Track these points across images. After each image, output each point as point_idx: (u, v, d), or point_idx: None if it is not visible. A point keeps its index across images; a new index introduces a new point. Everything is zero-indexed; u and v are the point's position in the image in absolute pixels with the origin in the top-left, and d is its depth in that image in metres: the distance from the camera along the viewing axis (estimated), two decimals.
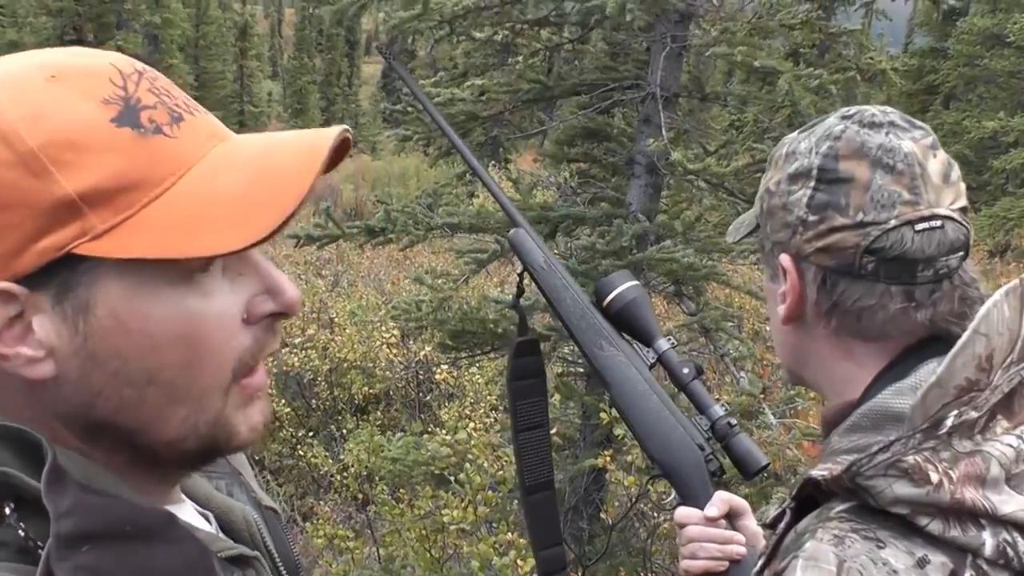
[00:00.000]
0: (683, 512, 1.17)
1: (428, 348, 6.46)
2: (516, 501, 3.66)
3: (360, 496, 5.21)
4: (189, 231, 0.57)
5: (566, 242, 4.05)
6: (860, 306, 0.84)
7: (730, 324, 3.99)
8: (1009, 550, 0.73)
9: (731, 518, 1.16)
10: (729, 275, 4.00)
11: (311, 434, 6.22)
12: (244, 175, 0.60)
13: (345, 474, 5.06)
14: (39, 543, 0.55)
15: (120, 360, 0.59)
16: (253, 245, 0.58)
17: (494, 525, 3.76)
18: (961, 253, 0.84)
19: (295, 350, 6.75)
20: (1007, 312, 0.77)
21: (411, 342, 6.93)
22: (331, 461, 5.61)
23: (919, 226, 0.81)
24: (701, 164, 3.36)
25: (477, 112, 3.88)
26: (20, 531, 0.56)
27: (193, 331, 0.60)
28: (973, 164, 17.18)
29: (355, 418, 6.51)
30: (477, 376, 6.09)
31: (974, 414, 0.75)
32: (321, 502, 5.60)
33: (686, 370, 1.19)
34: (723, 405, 1.18)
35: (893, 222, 0.81)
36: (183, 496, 0.72)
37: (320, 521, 4.50)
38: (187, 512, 0.70)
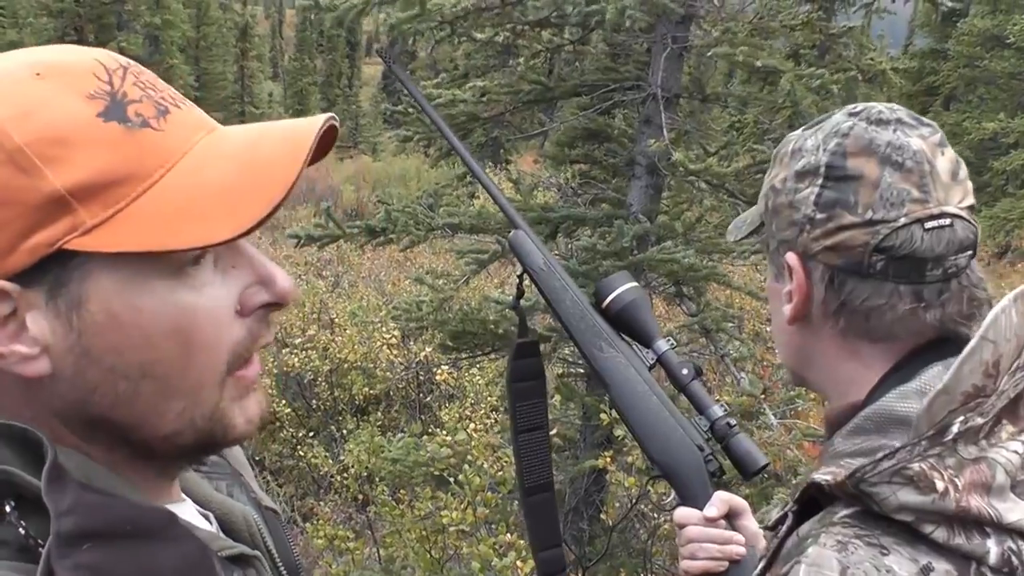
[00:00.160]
0: (682, 512, 1.17)
1: (428, 349, 6.46)
2: (516, 502, 3.66)
3: (360, 497, 5.21)
4: (178, 223, 0.57)
5: (567, 243, 4.05)
6: (868, 306, 0.83)
7: (731, 325, 3.99)
8: (1014, 558, 0.73)
9: (730, 518, 1.16)
10: (730, 276, 4.00)
11: (311, 435, 6.22)
12: (231, 166, 0.60)
13: (345, 475, 5.05)
14: (40, 541, 0.55)
15: (114, 355, 0.59)
16: (242, 235, 0.58)
17: (494, 526, 3.76)
18: (970, 252, 0.83)
19: (295, 351, 6.75)
20: (1015, 318, 0.76)
21: (411, 343, 6.92)
22: (331, 462, 5.61)
23: (928, 224, 0.80)
24: (703, 164, 3.36)
25: (478, 113, 3.88)
26: (21, 529, 0.56)
27: (186, 324, 0.60)
28: (973, 165, 17.17)
29: (355, 419, 6.50)
30: (477, 377, 6.08)
31: (980, 420, 0.74)
32: (321, 503, 5.60)
33: (685, 371, 1.19)
34: (722, 405, 1.18)
35: (903, 220, 0.80)
36: (183, 495, 0.72)
37: (320, 522, 4.49)
38: (187, 511, 0.70)
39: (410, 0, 3.30)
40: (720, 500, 1.16)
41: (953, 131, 18.48)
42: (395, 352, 6.92)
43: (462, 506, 3.49)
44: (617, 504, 4.10)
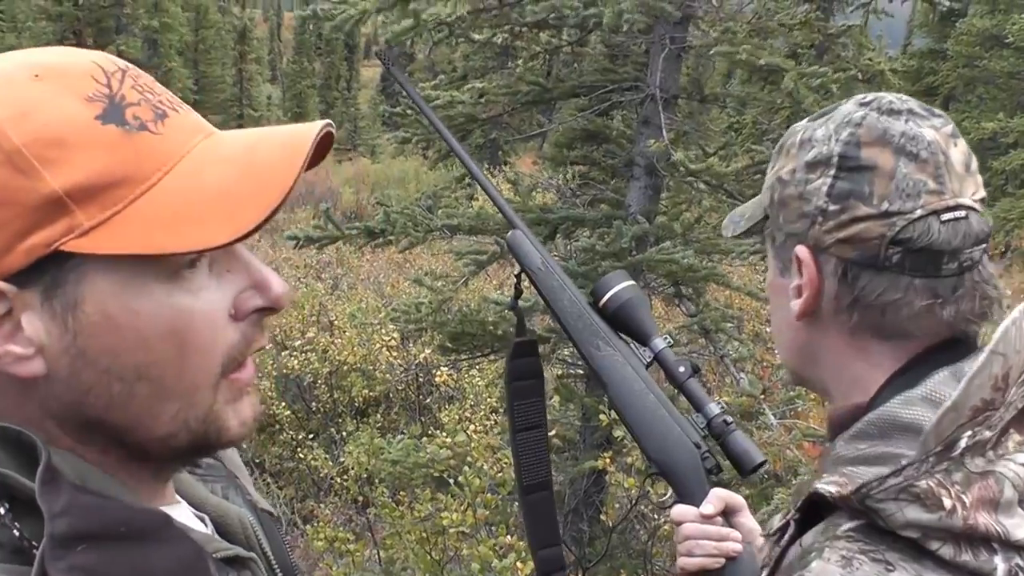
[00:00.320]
0: (679, 510, 1.17)
1: (428, 351, 6.46)
2: (516, 504, 3.65)
3: (360, 499, 5.21)
4: (175, 227, 0.57)
5: (566, 244, 4.06)
6: (884, 300, 0.81)
7: (730, 325, 3.99)
8: (1021, 575, 0.72)
9: (727, 515, 1.17)
10: (729, 276, 4.00)
11: (311, 437, 6.21)
12: (229, 170, 0.61)
13: (345, 477, 5.04)
14: (34, 543, 0.55)
15: (109, 356, 0.59)
16: (239, 239, 0.58)
17: (494, 527, 3.76)
18: (984, 245, 0.81)
19: (295, 353, 6.74)
20: None
21: (411, 345, 6.92)
22: (331, 464, 5.60)
23: (945, 216, 0.78)
24: (703, 164, 3.36)
25: (476, 115, 3.88)
26: (15, 531, 0.56)
27: (181, 326, 0.60)
28: None
29: (355, 421, 6.50)
30: (477, 378, 6.08)
31: (988, 433, 0.73)
32: (321, 505, 5.59)
33: (682, 368, 1.19)
34: (719, 403, 1.19)
35: (919, 212, 0.78)
36: (178, 497, 0.72)
37: (320, 524, 4.49)
38: (183, 513, 0.70)
39: (405, 12, 3.31)
40: (716, 497, 1.16)
41: None
42: (394, 354, 6.91)
43: (462, 507, 3.49)
44: (617, 505, 4.10)
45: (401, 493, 4.44)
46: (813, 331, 0.87)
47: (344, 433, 6.08)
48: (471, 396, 5.97)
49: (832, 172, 0.82)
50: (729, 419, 1.17)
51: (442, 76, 4.72)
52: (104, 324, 0.58)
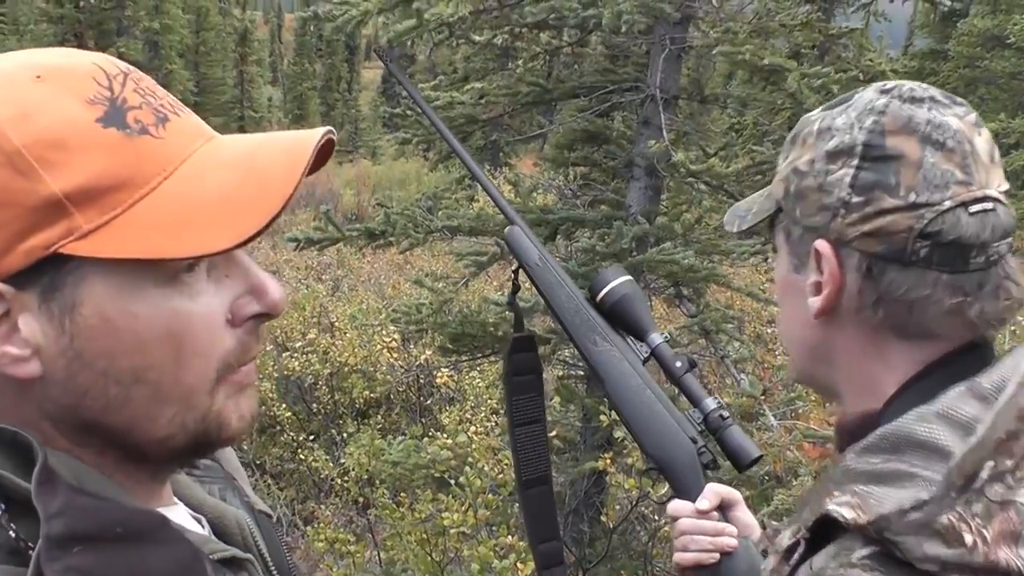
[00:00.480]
0: (675, 505, 1.17)
1: (429, 352, 6.46)
2: (516, 504, 3.65)
3: (361, 500, 5.20)
4: (175, 231, 0.57)
5: (566, 245, 4.06)
6: (911, 297, 0.77)
7: (730, 326, 3.99)
8: None
9: (724, 509, 1.17)
10: (729, 277, 4.00)
11: (312, 438, 6.21)
12: (230, 175, 0.60)
13: (346, 478, 5.04)
14: (30, 544, 0.55)
15: (107, 359, 0.59)
16: (239, 245, 0.58)
17: (494, 528, 3.76)
18: (1009, 239, 0.79)
19: (296, 354, 6.75)
20: None
21: (412, 346, 6.92)
22: (332, 465, 5.60)
23: (973, 208, 0.75)
24: (704, 165, 3.36)
25: (476, 115, 3.88)
26: (11, 532, 0.56)
27: (179, 330, 0.60)
28: None
29: (356, 422, 6.50)
30: (478, 380, 6.08)
31: (1009, 463, 0.71)
32: (322, 506, 5.59)
33: (679, 363, 1.19)
34: (716, 398, 1.19)
35: (948, 203, 0.74)
36: (175, 499, 0.72)
37: (321, 525, 4.49)
38: (180, 514, 0.70)
39: (408, 11, 3.31)
40: (712, 492, 1.16)
41: None
42: (395, 355, 6.91)
43: (463, 508, 3.49)
44: (617, 506, 4.10)
45: (402, 494, 4.45)
46: (829, 330, 0.84)
47: (345, 434, 6.08)
48: (472, 398, 5.97)
49: (855, 162, 0.78)
50: (726, 414, 1.17)
51: (442, 77, 4.71)
52: (102, 327, 0.58)
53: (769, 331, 7.79)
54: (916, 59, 22.03)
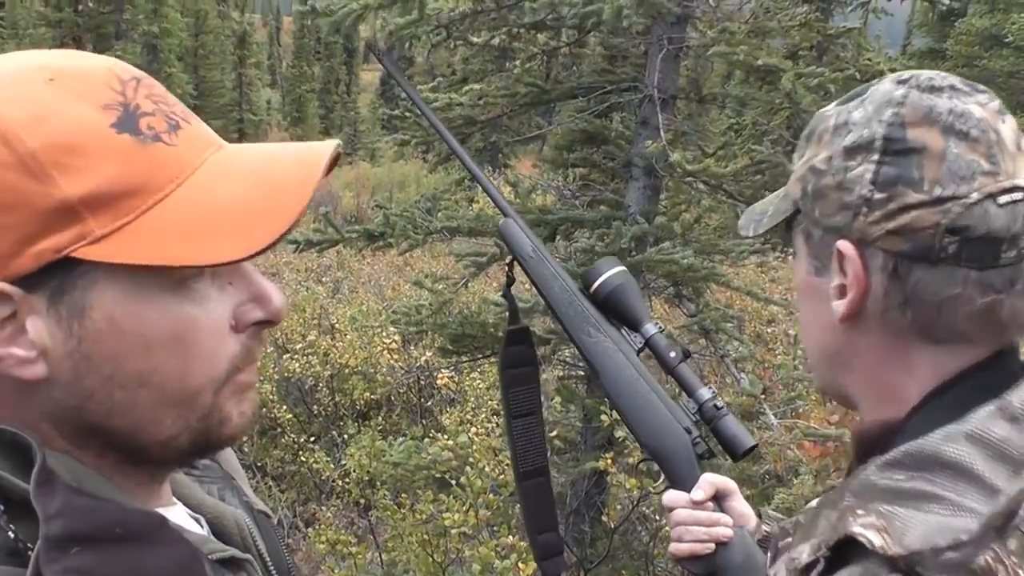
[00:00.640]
0: (670, 496, 1.17)
1: (429, 353, 6.46)
2: (517, 505, 3.65)
3: (362, 501, 5.20)
4: (188, 239, 0.57)
5: (565, 245, 4.06)
6: (941, 297, 0.73)
7: (730, 325, 3.99)
8: None
9: (719, 499, 1.17)
10: (729, 277, 4.00)
11: (313, 440, 6.21)
12: (243, 185, 0.61)
13: (347, 479, 5.04)
14: (29, 545, 0.55)
15: (113, 363, 0.59)
16: (252, 256, 0.58)
17: (495, 528, 3.76)
18: None
19: (296, 356, 6.75)
20: None
21: (412, 347, 6.92)
22: (333, 466, 5.60)
23: (1001, 199, 0.71)
24: (701, 165, 3.36)
25: (475, 117, 3.88)
26: (10, 533, 0.56)
27: (186, 335, 0.60)
28: None
29: (356, 423, 6.50)
30: (478, 381, 6.08)
31: None
32: (323, 508, 5.59)
33: (673, 353, 1.19)
34: (710, 387, 1.19)
35: (975, 196, 0.71)
36: (174, 499, 0.72)
37: (322, 527, 4.48)
38: (178, 515, 0.70)
39: (409, 5, 3.30)
40: (707, 482, 1.16)
41: None
42: (395, 357, 6.91)
43: (464, 509, 3.49)
44: (618, 506, 4.10)
45: (403, 495, 4.45)
46: (853, 334, 0.80)
47: (345, 436, 6.08)
48: (472, 399, 5.97)
49: (875, 157, 0.74)
50: (720, 404, 1.17)
51: (441, 79, 4.71)
52: (109, 331, 0.58)
53: (769, 331, 7.80)
54: (914, 58, 22.03)
